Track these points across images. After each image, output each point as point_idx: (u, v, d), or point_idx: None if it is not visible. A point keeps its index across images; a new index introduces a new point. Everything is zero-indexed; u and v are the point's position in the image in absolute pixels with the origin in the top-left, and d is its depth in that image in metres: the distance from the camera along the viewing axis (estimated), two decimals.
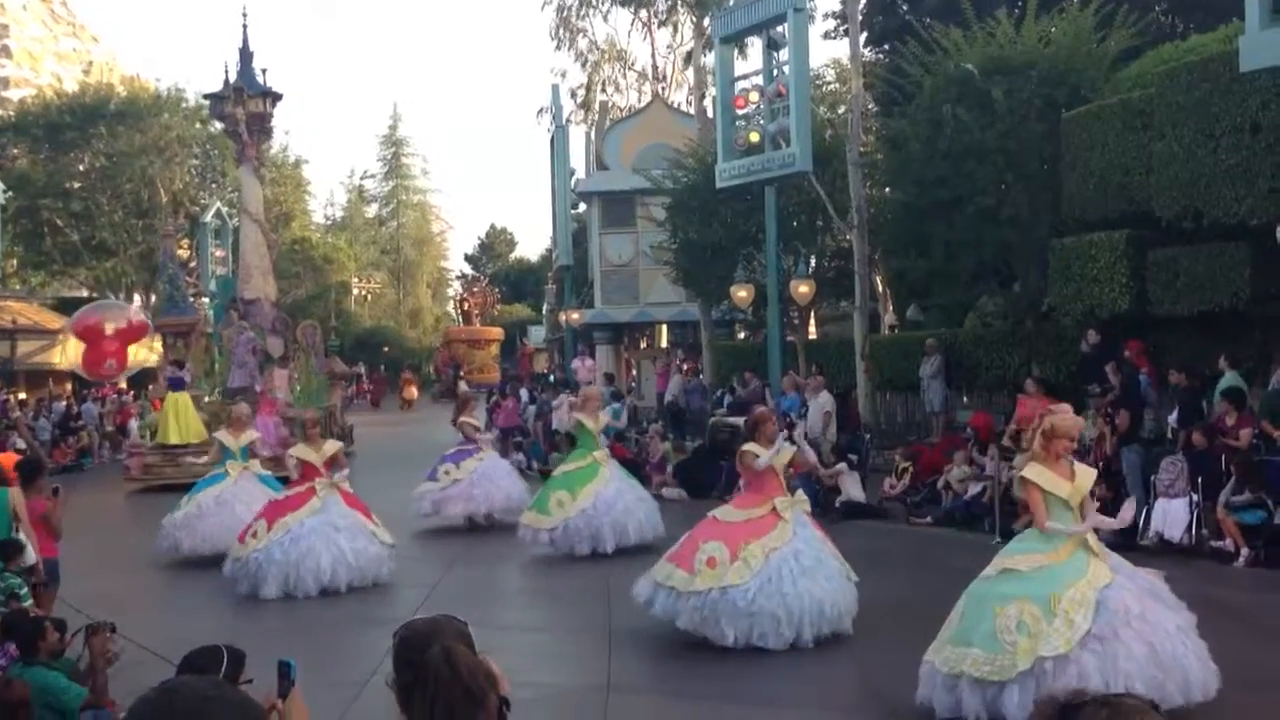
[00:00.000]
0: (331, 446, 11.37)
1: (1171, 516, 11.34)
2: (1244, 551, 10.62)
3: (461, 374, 45.00)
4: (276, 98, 24.69)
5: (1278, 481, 11.13)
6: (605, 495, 12.23)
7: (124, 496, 19.72)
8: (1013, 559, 6.58)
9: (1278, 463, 11.39)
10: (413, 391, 48.14)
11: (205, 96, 25.92)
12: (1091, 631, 6.09)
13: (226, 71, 24.40)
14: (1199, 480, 11.50)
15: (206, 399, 22.07)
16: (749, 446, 8.65)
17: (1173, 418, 13.11)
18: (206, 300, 32.25)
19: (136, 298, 42.58)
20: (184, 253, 43.33)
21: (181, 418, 20.42)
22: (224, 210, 36.27)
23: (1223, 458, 11.61)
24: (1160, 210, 14.84)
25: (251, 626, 9.54)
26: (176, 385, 21.23)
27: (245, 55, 24.67)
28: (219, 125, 28.66)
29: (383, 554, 10.92)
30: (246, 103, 23.86)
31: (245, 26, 24.99)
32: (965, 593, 6.67)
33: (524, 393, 25.24)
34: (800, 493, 8.89)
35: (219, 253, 34.50)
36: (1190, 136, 14.29)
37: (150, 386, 26.62)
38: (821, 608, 8.11)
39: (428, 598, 10.53)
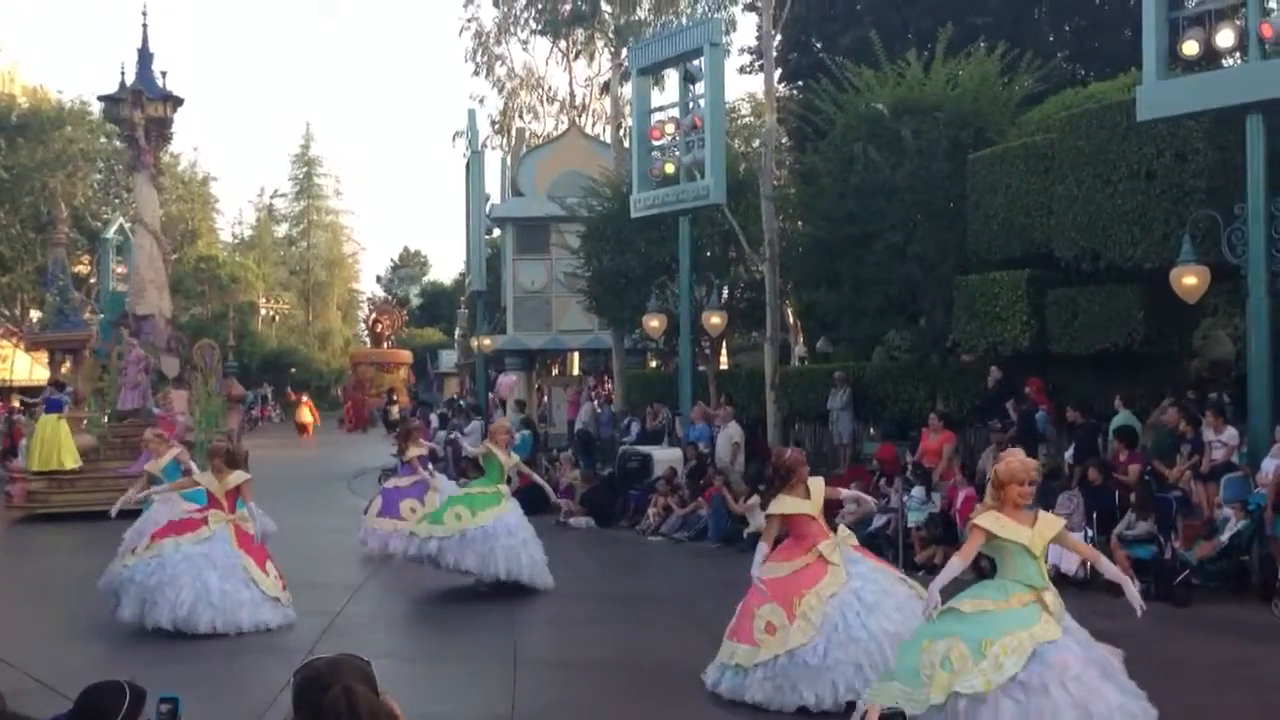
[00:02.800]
0: (237, 478, 10.56)
1: (1067, 550, 11.60)
2: (1136, 584, 10.86)
3: (394, 399, 43.37)
4: (178, 102, 23.35)
5: (1168, 517, 11.48)
6: (507, 520, 11.77)
7: (5, 526, 18.52)
8: (960, 601, 6.10)
9: (1169, 499, 11.75)
10: (306, 415, 43.19)
11: (100, 98, 24.23)
12: (1018, 678, 5.62)
13: (123, 73, 22.87)
14: (1094, 515, 11.82)
15: (85, 421, 20.93)
16: (782, 508, 7.76)
17: (1069, 453, 13.46)
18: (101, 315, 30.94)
19: (33, 313, 41.33)
20: (84, 269, 42.29)
21: (49, 444, 19.06)
22: (126, 226, 35.31)
23: (1116, 493, 11.95)
24: (1060, 251, 15.29)
25: (139, 654, 9.21)
26: (54, 407, 19.97)
27: (144, 56, 23.16)
28: (113, 128, 27.42)
29: (257, 601, 10.05)
30: (145, 106, 22.52)
31: (145, 26, 23.45)
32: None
33: (434, 417, 24.99)
34: (843, 528, 8.13)
35: (120, 269, 33.53)
36: (1089, 181, 14.77)
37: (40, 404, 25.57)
38: (898, 640, 7.13)
39: (328, 626, 10.34)
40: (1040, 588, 5.99)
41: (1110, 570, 6.63)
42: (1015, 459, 6.14)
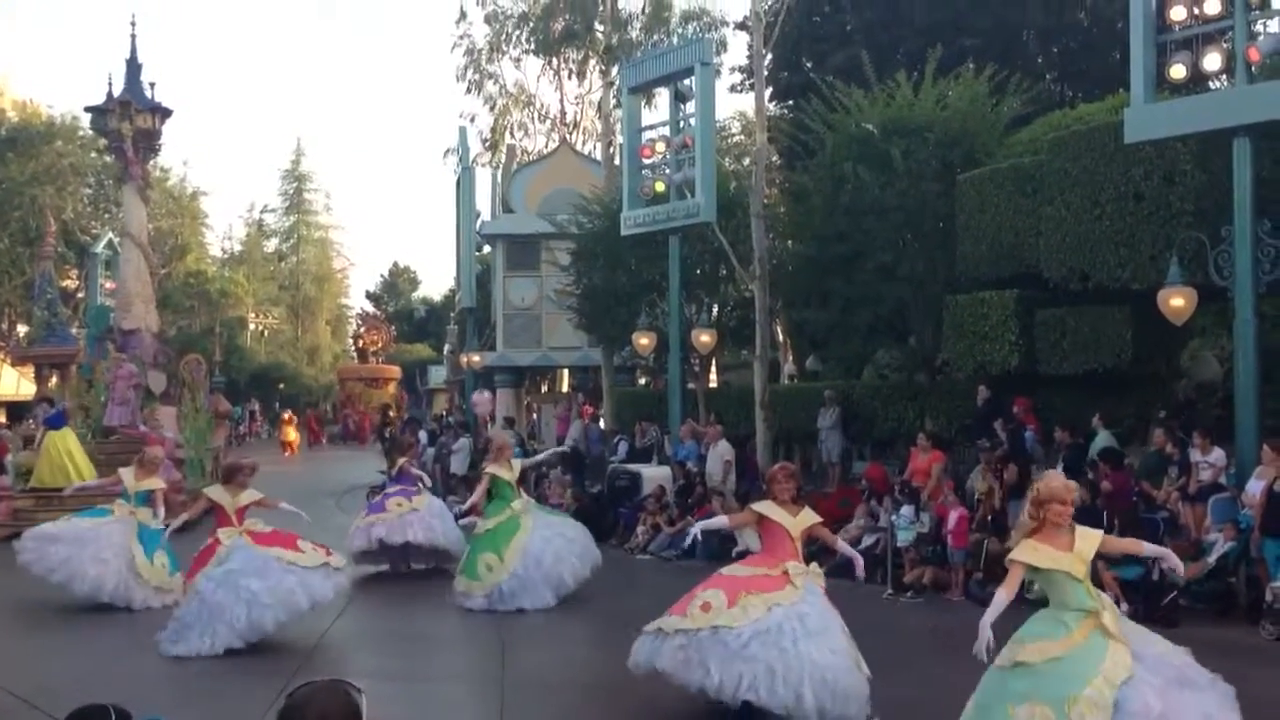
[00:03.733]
0: (249, 495, 10.67)
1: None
2: (1123, 606, 10.90)
3: (392, 415, 42.80)
4: (166, 113, 23.09)
5: (1155, 539, 11.48)
6: (532, 549, 11.89)
7: None
8: (1024, 648, 5.83)
9: (1156, 520, 11.78)
10: (291, 434, 42.66)
11: (87, 109, 23.72)
12: None
13: (110, 84, 22.59)
14: None
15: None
16: (760, 506, 8.00)
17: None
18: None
19: (20, 328, 41.17)
20: (72, 283, 42.14)
21: (58, 461, 18.36)
22: (116, 241, 35.21)
23: (1105, 513, 11.96)
24: (1048, 272, 15.35)
25: (126, 675, 9.16)
26: (56, 423, 19.13)
27: (133, 67, 22.80)
28: (104, 143, 26.51)
29: (305, 579, 10.11)
30: (134, 118, 22.25)
31: (134, 36, 22.97)
32: (980, 684, 6.01)
33: (422, 434, 24.92)
34: (815, 565, 7.92)
35: (109, 285, 33.40)
36: (1077, 202, 14.84)
37: (29, 421, 25.16)
38: (823, 675, 7.08)
39: (315, 646, 10.29)
40: (1095, 609, 5.86)
41: (1152, 550, 6.98)
42: (1056, 478, 6.16)
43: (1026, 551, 5.94)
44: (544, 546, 11.98)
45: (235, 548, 10.19)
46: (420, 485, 15.05)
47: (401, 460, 15.46)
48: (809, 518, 7.94)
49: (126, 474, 12.71)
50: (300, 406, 56.17)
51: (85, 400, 21.56)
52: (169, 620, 10.12)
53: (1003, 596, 6.05)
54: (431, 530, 14.16)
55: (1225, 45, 12.32)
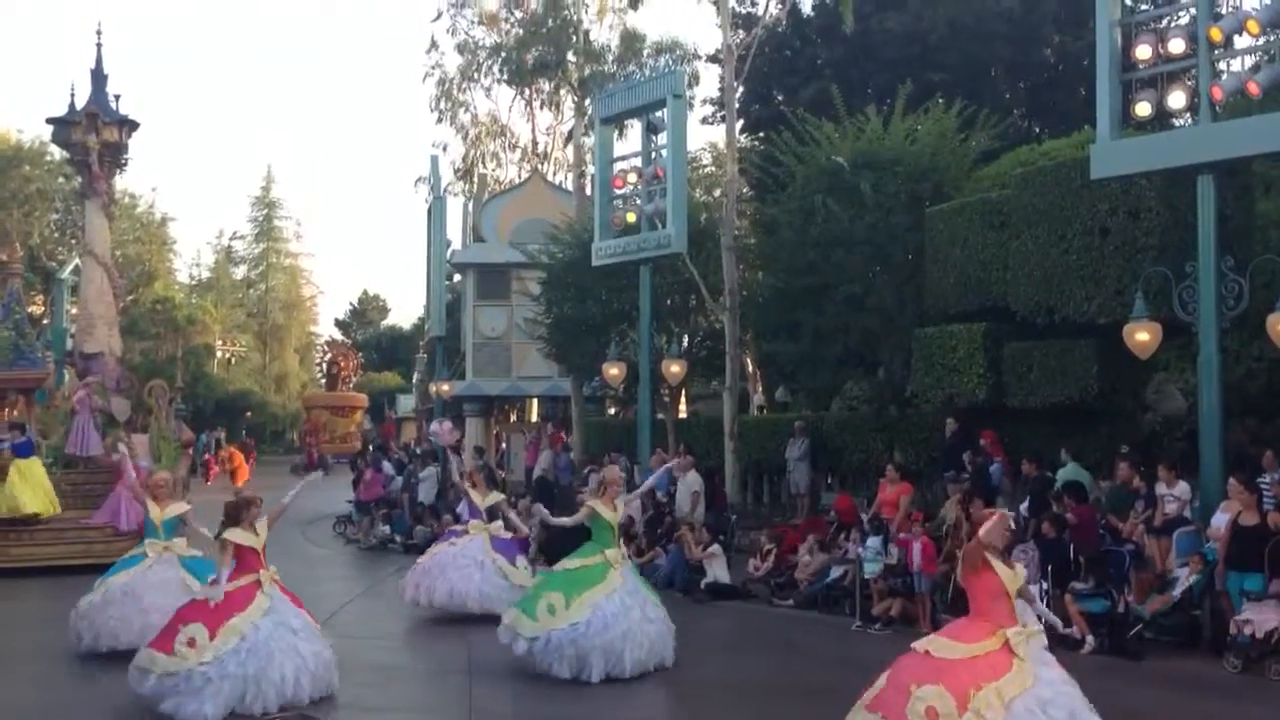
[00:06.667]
0: (263, 529, 9.37)
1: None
2: (1089, 640, 10.94)
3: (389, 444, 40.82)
4: (133, 126, 22.09)
5: (1121, 571, 11.55)
6: (607, 610, 10.02)
7: None
8: None
9: (1122, 553, 11.83)
10: (240, 461, 37.93)
11: (49, 121, 22.31)
12: None
13: (73, 94, 21.47)
14: (1049, 568, 11.86)
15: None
16: (994, 562, 6.64)
17: (1024, 507, 13.54)
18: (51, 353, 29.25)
19: None
20: (37, 309, 41.72)
21: (20, 490, 17.38)
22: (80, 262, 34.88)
23: (1070, 547, 12.01)
24: (1015, 305, 15.48)
25: None
26: (24, 451, 17.98)
27: (98, 78, 21.72)
28: (61, 152, 25.74)
29: (317, 647, 9.21)
30: (101, 130, 21.22)
31: (99, 45, 21.85)
32: None
33: (387, 464, 24.73)
34: (1034, 624, 6.75)
35: (75, 310, 33.06)
36: (1044, 237, 15.00)
37: None
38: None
39: None
40: None
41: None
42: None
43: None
44: (621, 613, 10.07)
45: (276, 599, 9.14)
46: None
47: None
48: (1019, 575, 6.80)
49: (153, 509, 11.35)
50: (266, 435, 55.52)
51: (45, 428, 20.70)
52: (174, 671, 8.57)
53: None
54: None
55: (1189, 84, 12.51)
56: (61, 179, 42.60)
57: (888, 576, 12.90)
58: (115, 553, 12.15)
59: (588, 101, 29.61)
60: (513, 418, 35.53)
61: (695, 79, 33.47)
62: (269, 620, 8.86)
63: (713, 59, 32.14)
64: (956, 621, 6.89)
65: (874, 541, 13.20)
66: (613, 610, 10.00)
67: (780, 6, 25.85)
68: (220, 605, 8.82)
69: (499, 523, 13.40)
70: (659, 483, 18.22)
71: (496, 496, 13.51)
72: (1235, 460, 12.19)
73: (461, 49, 36.82)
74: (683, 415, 25.96)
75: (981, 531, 6.61)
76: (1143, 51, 12.68)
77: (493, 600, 12.42)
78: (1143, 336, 12.89)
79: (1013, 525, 6.87)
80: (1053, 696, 6.22)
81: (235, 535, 9.11)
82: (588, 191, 27.29)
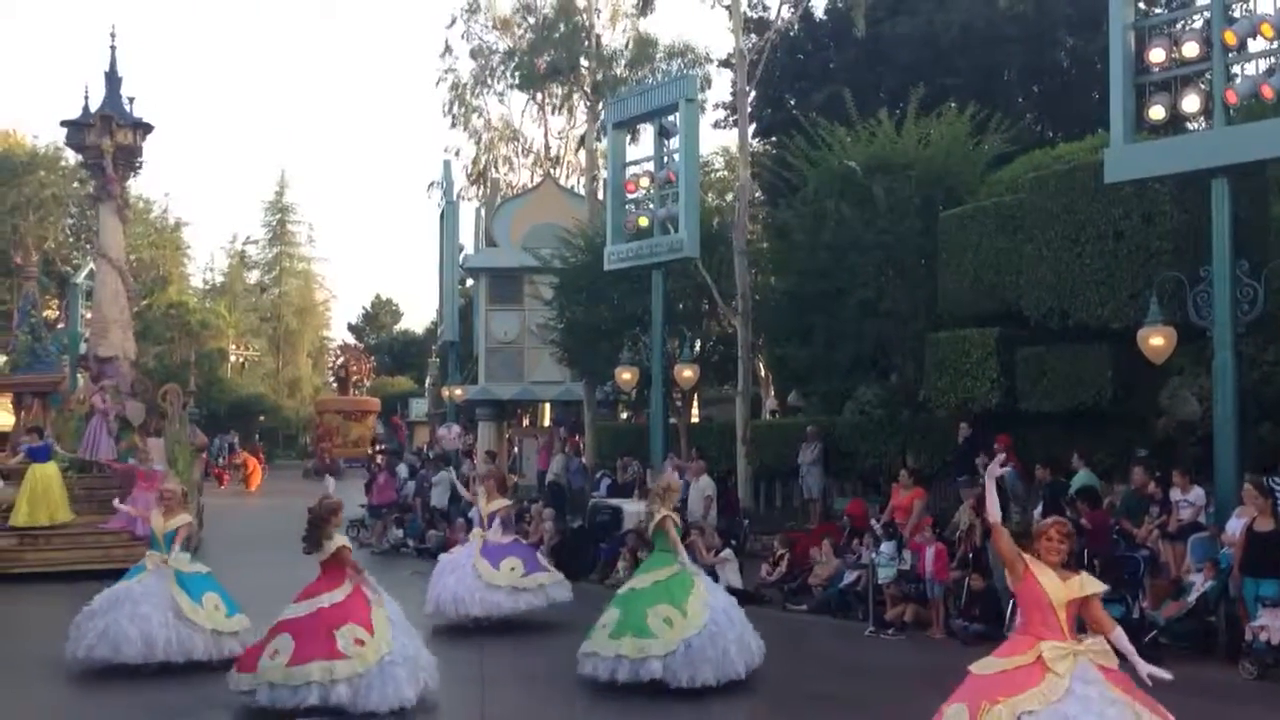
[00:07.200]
0: (339, 539, 9.40)
1: None
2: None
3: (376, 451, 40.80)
4: (147, 129, 22.03)
5: (1136, 577, 11.49)
6: (722, 607, 9.90)
7: None
8: None
9: (1136, 559, 11.77)
10: (254, 466, 38.90)
11: (63, 124, 22.27)
12: None
13: (87, 97, 21.46)
14: None
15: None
16: (1034, 567, 6.24)
17: (1038, 512, 13.48)
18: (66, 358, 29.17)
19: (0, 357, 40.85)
20: (52, 313, 41.89)
21: (40, 497, 17.46)
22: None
23: (1085, 552, 11.94)
24: (1029, 310, 15.44)
25: None
26: (39, 455, 18.08)
27: (113, 80, 21.84)
28: (76, 157, 25.04)
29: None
30: (115, 133, 21.24)
31: (114, 49, 21.94)
32: None
33: (402, 468, 24.78)
34: (1091, 640, 6.26)
35: (90, 314, 33.11)
36: (1058, 241, 14.95)
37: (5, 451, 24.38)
38: None
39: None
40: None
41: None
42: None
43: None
44: (732, 609, 10.01)
45: (388, 603, 9.32)
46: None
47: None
48: (1079, 584, 6.29)
49: (156, 519, 11.25)
50: (279, 440, 55.53)
51: (59, 431, 20.64)
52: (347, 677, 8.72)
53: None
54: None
55: (1204, 87, 12.47)
56: (76, 184, 42.78)
57: (901, 582, 12.87)
58: (136, 558, 12.00)
59: (600, 106, 29.64)
60: (525, 422, 35.57)
61: (707, 83, 33.49)
62: (394, 629, 9.10)
63: (725, 63, 32.19)
64: (1011, 636, 6.64)
65: (888, 547, 13.16)
66: (725, 607, 9.95)
67: (792, 11, 25.83)
68: (338, 606, 9.03)
69: (497, 527, 13.40)
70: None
71: (501, 503, 13.47)
72: (1250, 465, 12.10)
73: (474, 54, 36.94)
74: (695, 420, 25.95)
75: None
76: (1156, 55, 12.64)
77: (466, 604, 12.59)
78: (1157, 341, 12.83)
79: (1069, 531, 6.41)
80: (1078, 715, 5.80)
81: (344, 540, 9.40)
82: (600, 196, 27.30)
